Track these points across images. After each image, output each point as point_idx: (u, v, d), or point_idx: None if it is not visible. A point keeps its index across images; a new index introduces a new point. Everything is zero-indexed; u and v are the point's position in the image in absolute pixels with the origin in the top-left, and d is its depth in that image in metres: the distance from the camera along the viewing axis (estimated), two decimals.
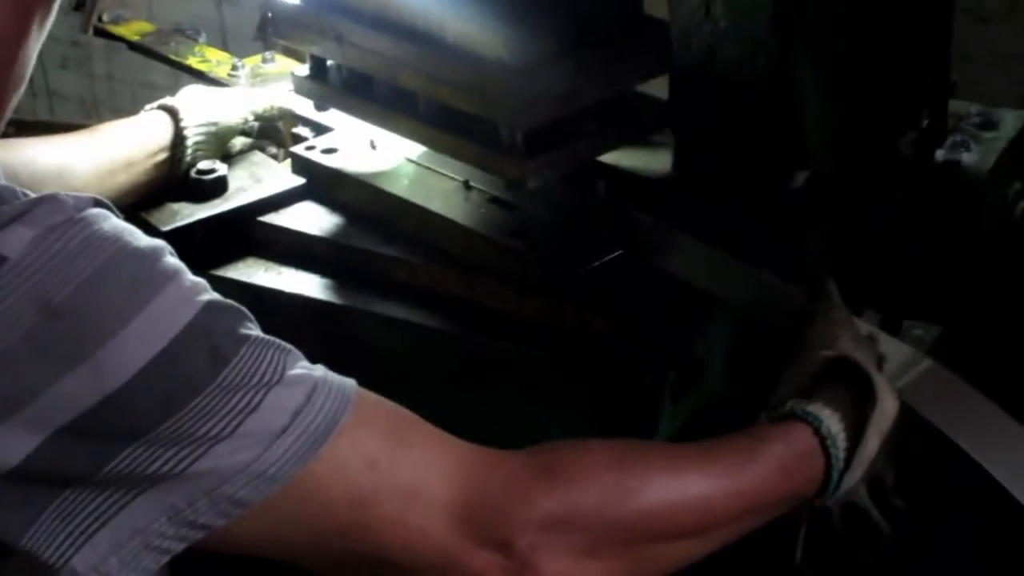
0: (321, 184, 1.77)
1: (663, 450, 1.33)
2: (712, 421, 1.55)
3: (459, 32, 1.53)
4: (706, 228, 1.62)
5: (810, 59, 1.67)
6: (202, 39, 2.03)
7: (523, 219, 1.61)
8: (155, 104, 1.81)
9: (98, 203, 1.07)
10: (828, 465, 1.31)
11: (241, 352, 1.07)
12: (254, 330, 1.10)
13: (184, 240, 1.64)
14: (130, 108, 1.81)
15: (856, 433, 1.34)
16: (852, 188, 1.74)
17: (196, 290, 1.07)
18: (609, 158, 1.71)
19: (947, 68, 1.81)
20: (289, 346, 1.13)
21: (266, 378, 1.07)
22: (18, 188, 1.05)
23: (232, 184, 1.75)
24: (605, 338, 1.54)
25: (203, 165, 1.77)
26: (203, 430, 1.04)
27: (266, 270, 1.68)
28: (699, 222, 1.63)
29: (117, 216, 1.08)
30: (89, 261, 1.03)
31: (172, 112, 1.77)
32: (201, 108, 1.81)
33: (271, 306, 1.64)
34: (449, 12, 1.54)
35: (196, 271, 1.67)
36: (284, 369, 1.09)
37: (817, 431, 1.31)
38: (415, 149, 1.78)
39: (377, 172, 1.75)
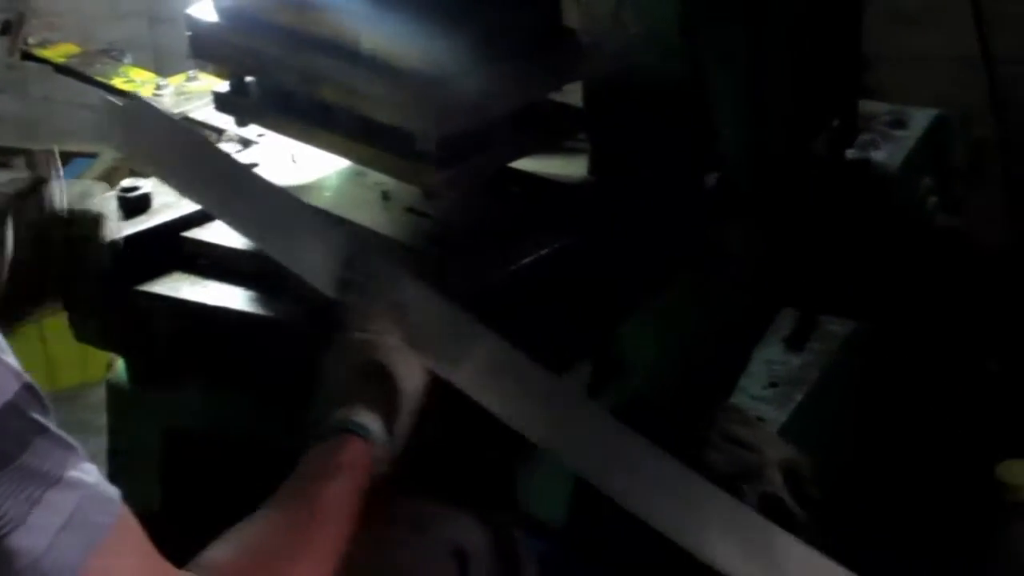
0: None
1: (281, 544, 1.29)
2: (633, 417, 1.53)
3: (374, 44, 1.53)
4: None
5: (720, 64, 1.69)
6: (127, 59, 2.03)
7: (440, 227, 1.61)
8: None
9: None
10: (373, 455, 1.34)
11: (46, 430, 1.05)
12: (49, 421, 1.07)
13: (130, 246, 1.66)
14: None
15: (391, 417, 1.38)
16: (766, 188, 1.74)
17: (16, 372, 1.05)
18: (525, 164, 1.70)
19: (856, 71, 1.86)
20: (74, 443, 1.09)
21: (52, 469, 1.06)
22: None
23: (157, 200, 1.73)
24: (519, 341, 1.54)
25: (127, 183, 1.75)
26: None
27: (191, 284, 1.66)
28: None
29: None
30: None
31: None
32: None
33: (197, 319, 1.64)
34: (364, 25, 1.54)
35: (122, 285, 1.70)
36: (66, 464, 1.07)
37: (366, 439, 1.35)
38: (336, 163, 1.77)
39: (298, 185, 1.75)
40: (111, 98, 1.61)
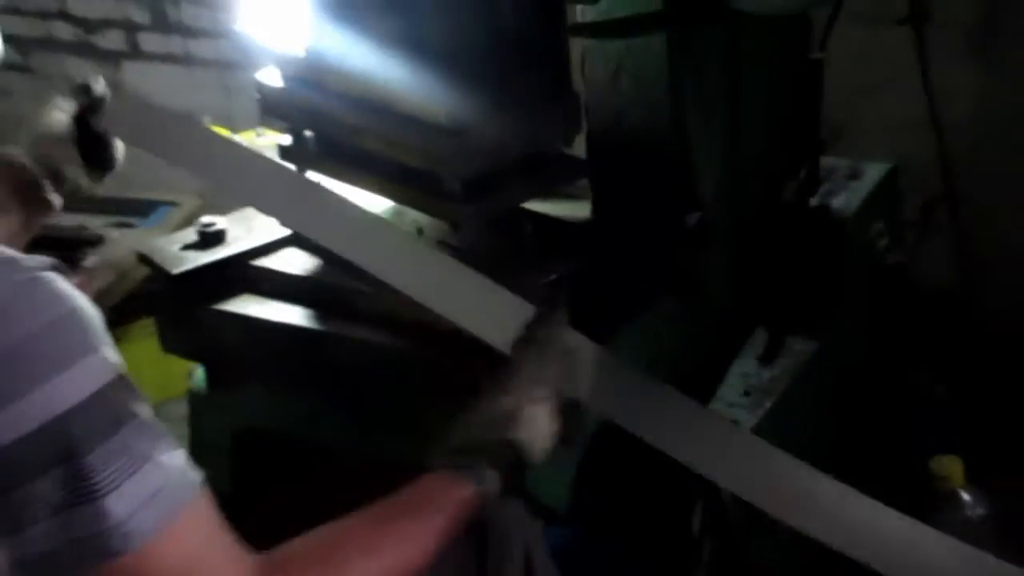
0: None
1: (360, 536, 1.28)
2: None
3: (409, 102, 1.57)
4: None
5: (702, 123, 1.71)
6: (207, 120, 2.05)
7: (465, 256, 1.60)
8: None
9: (55, 267, 1.09)
10: (479, 498, 1.31)
11: (135, 416, 1.08)
12: (143, 410, 1.11)
13: (190, 281, 1.70)
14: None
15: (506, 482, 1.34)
16: (740, 227, 1.76)
17: (109, 365, 1.08)
18: (537, 206, 1.74)
19: (818, 131, 1.86)
20: (165, 431, 1.13)
21: (143, 451, 1.09)
22: None
23: (230, 235, 1.77)
24: None
25: (206, 219, 1.77)
26: (89, 485, 1.04)
27: (257, 303, 1.70)
28: None
29: (68, 279, 1.09)
30: (38, 316, 1.05)
31: None
32: None
33: (261, 333, 1.68)
34: (400, 85, 1.57)
35: (199, 306, 1.67)
36: (156, 448, 1.10)
37: (475, 480, 1.30)
38: (379, 203, 1.78)
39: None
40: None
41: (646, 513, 1.60)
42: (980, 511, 1.66)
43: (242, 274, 1.75)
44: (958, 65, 2.21)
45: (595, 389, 1.42)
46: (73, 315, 1.08)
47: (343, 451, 1.73)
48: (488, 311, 1.52)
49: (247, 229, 1.81)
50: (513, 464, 1.36)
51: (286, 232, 1.78)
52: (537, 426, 1.37)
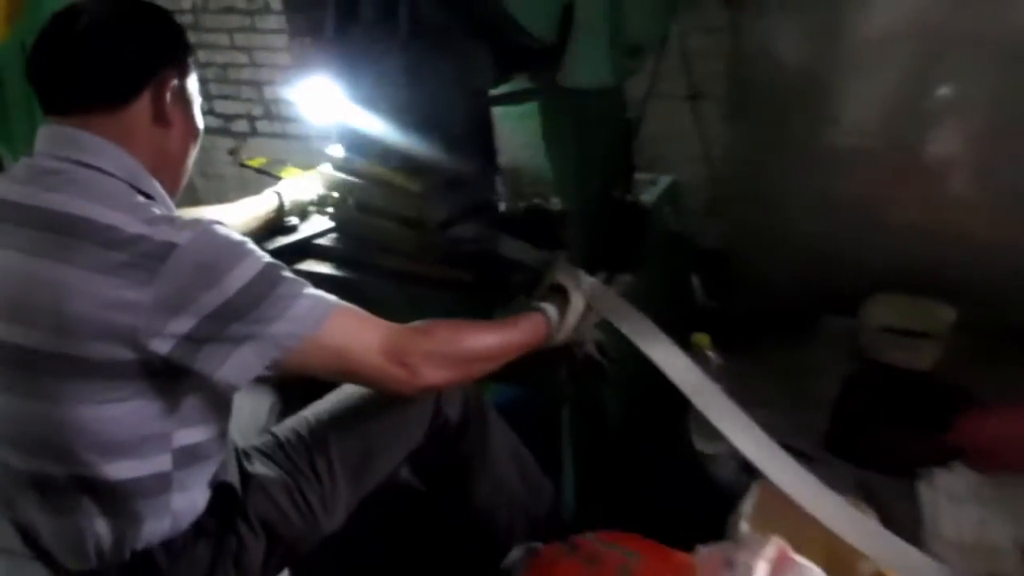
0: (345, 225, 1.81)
1: (477, 323, 1.33)
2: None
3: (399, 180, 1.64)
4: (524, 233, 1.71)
5: (561, 154, 1.71)
6: (288, 163, 2.05)
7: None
8: (270, 189, 1.84)
9: (219, 223, 1.13)
10: (549, 329, 1.39)
11: (285, 278, 1.14)
12: (289, 273, 1.16)
13: (279, 253, 1.70)
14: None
15: (562, 316, 1.41)
16: (590, 214, 1.77)
17: (264, 256, 1.14)
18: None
19: (632, 159, 1.90)
20: (304, 280, 1.17)
21: (296, 291, 1.14)
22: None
23: (302, 227, 1.84)
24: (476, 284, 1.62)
25: (290, 220, 1.85)
26: (270, 314, 1.10)
27: (318, 264, 1.77)
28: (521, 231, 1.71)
29: (228, 228, 1.14)
30: (219, 243, 1.11)
31: (278, 194, 1.82)
32: (291, 191, 1.84)
33: (320, 281, 1.53)
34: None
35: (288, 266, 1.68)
36: (303, 288, 1.16)
37: (544, 314, 1.39)
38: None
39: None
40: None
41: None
42: (717, 364, 1.70)
43: (309, 248, 1.80)
44: (717, 123, 2.24)
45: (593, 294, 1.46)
46: (237, 239, 1.13)
47: None
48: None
49: (310, 223, 1.87)
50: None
51: (330, 224, 1.83)
52: (575, 296, 1.43)
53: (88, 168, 1.13)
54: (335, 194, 1.81)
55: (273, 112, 3.24)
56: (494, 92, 1.61)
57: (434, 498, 1.53)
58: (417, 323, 1.23)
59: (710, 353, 1.72)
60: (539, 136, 1.65)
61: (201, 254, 1.08)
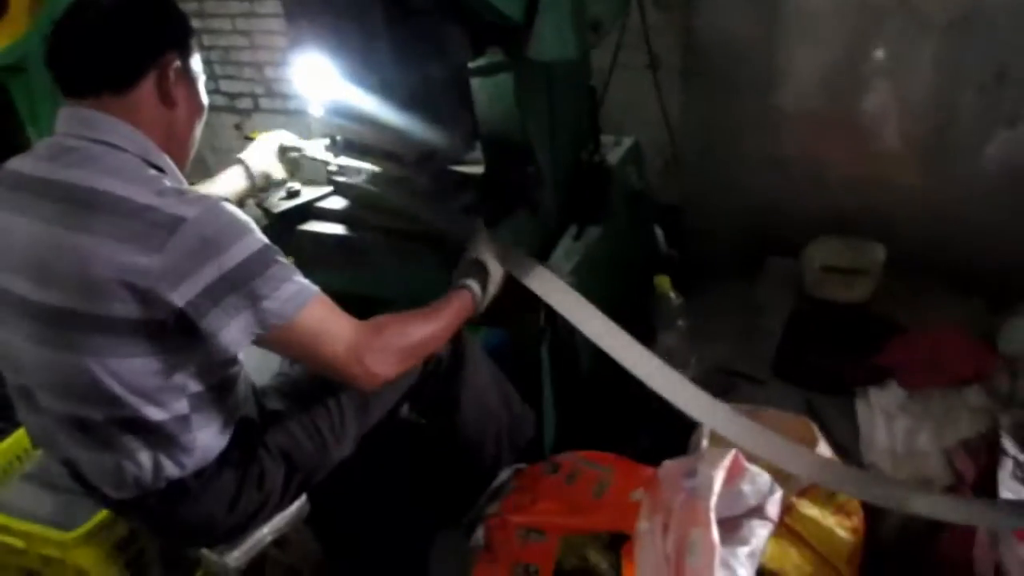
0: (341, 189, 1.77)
1: (417, 315, 1.30)
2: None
3: (386, 120, 1.57)
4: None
5: (534, 122, 1.66)
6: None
7: (419, 194, 1.63)
8: (236, 161, 1.72)
9: (226, 199, 1.13)
10: (475, 302, 1.38)
11: (279, 261, 1.13)
12: (283, 256, 1.15)
13: (284, 216, 1.73)
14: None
15: (484, 287, 1.40)
16: (559, 174, 1.75)
17: (262, 237, 1.12)
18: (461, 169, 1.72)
19: (597, 122, 1.83)
20: (293, 267, 1.15)
21: (286, 275, 1.13)
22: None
23: (304, 194, 1.78)
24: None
25: (292, 186, 1.76)
26: (262, 292, 1.10)
27: (319, 224, 1.73)
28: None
29: (235, 206, 1.13)
30: (223, 220, 1.10)
31: (245, 165, 1.70)
32: (256, 162, 1.72)
33: (321, 241, 1.70)
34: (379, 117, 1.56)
35: (291, 227, 1.69)
36: (293, 274, 1.14)
37: (469, 290, 1.38)
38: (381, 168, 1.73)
39: (366, 185, 1.74)
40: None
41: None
42: (677, 303, 1.73)
43: (311, 211, 1.76)
44: (674, 91, 2.20)
45: (508, 259, 1.45)
46: (241, 219, 1.12)
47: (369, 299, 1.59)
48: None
49: (310, 188, 1.80)
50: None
51: (329, 189, 1.77)
52: (493, 272, 1.42)
53: (103, 145, 1.12)
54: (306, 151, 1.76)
55: (274, 90, 3.21)
56: (471, 65, 1.59)
57: (431, 431, 1.53)
58: (372, 321, 1.23)
59: (671, 293, 1.75)
60: (514, 104, 1.63)
61: (207, 228, 1.07)
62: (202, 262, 1.06)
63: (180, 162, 1.22)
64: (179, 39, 1.19)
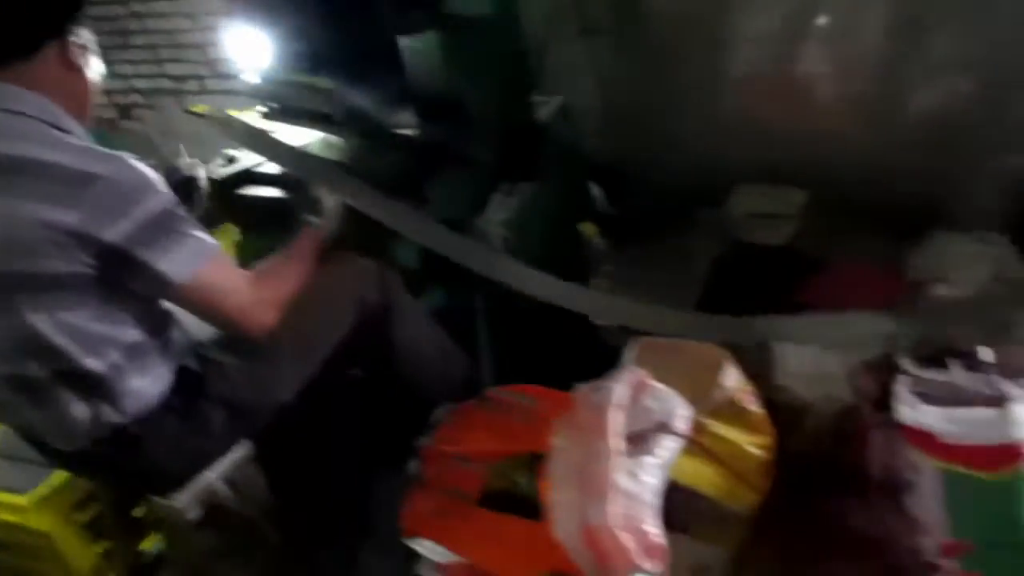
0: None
1: (282, 263, 1.40)
2: None
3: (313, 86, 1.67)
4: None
5: (468, 82, 1.68)
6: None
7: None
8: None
9: (135, 157, 1.16)
10: (319, 234, 1.46)
11: (184, 218, 1.20)
12: (187, 213, 1.21)
13: (224, 181, 1.80)
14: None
15: (325, 217, 1.48)
16: (493, 133, 1.77)
17: (170, 194, 1.19)
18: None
19: (530, 83, 1.89)
20: (197, 223, 1.22)
21: (190, 231, 1.21)
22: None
23: (241, 160, 1.85)
24: None
25: (230, 153, 1.83)
26: (168, 246, 1.17)
27: (257, 190, 1.82)
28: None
29: (146, 164, 1.18)
30: (134, 176, 1.16)
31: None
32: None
33: (258, 204, 1.80)
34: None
35: (232, 191, 1.77)
36: (196, 230, 1.22)
37: (312, 225, 1.47)
38: (311, 136, 1.81)
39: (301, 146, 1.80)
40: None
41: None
42: (603, 248, 1.85)
43: (248, 177, 1.85)
44: (608, 55, 2.18)
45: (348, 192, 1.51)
46: (150, 175, 1.19)
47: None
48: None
49: (247, 157, 1.88)
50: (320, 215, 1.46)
51: (262, 159, 1.84)
52: (327, 203, 1.50)
53: (13, 113, 1.17)
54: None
55: (218, 71, 3.23)
56: (398, 25, 1.63)
57: (370, 380, 1.64)
58: (253, 273, 1.32)
59: (596, 239, 1.91)
60: (442, 63, 1.66)
61: (118, 185, 1.13)
62: (115, 216, 1.13)
63: (83, 122, 1.27)
64: (72, 13, 1.23)
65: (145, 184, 1.16)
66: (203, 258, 1.22)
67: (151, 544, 1.70)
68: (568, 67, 2.21)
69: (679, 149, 2.13)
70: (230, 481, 1.44)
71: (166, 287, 1.20)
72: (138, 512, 1.67)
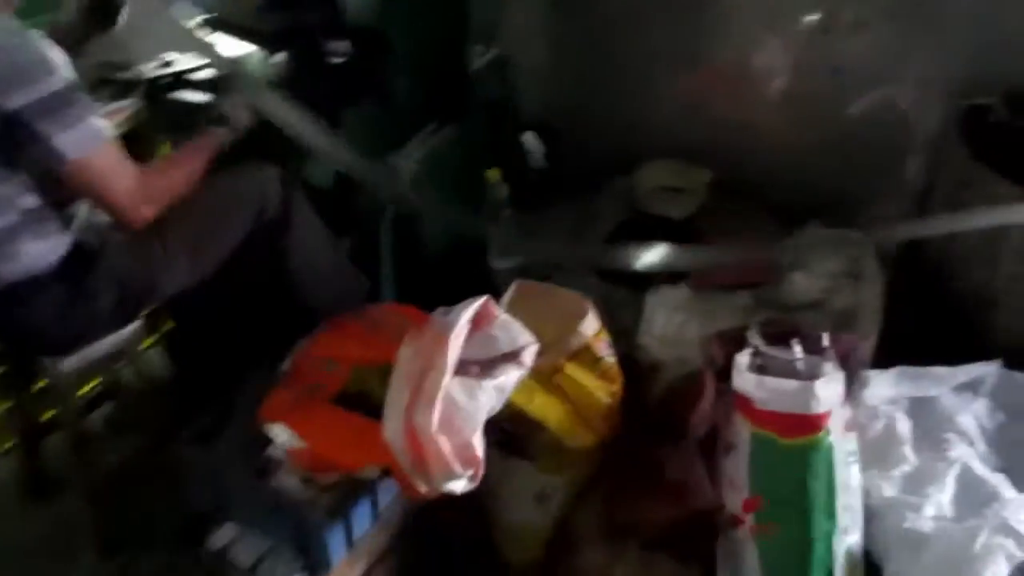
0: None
1: (174, 161, 1.44)
2: None
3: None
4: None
5: (404, 31, 1.82)
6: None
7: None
8: None
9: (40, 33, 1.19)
10: (219, 138, 1.48)
11: (83, 98, 1.24)
12: (87, 98, 1.24)
13: (155, 82, 1.85)
14: None
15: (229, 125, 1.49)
16: (419, 71, 1.89)
17: (69, 75, 1.22)
18: None
19: (463, 34, 1.98)
20: (96, 106, 1.26)
21: (88, 113, 1.25)
22: None
23: (177, 62, 1.89)
24: None
25: (166, 56, 1.88)
26: (65, 122, 1.21)
27: (189, 95, 1.85)
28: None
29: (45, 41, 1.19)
30: (37, 52, 1.19)
31: None
32: None
33: (187, 108, 1.82)
34: None
35: (159, 94, 1.83)
36: (93, 113, 1.25)
37: (214, 130, 1.49)
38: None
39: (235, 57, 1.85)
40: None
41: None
42: (504, 193, 1.80)
43: (180, 80, 1.90)
44: (556, 17, 2.19)
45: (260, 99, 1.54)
46: (50, 55, 1.22)
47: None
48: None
49: (182, 60, 1.94)
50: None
51: (203, 61, 1.88)
52: (236, 113, 1.53)
53: None
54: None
55: None
56: None
57: (263, 285, 1.65)
58: (143, 168, 1.36)
59: (498, 183, 1.86)
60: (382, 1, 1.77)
61: (20, 57, 1.18)
62: (18, 87, 1.18)
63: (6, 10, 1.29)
64: None
65: (49, 62, 1.21)
66: (98, 141, 1.26)
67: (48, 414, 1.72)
68: (516, 24, 2.28)
69: (607, 116, 2.19)
70: (122, 355, 1.55)
71: (59, 162, 1.25)
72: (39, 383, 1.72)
